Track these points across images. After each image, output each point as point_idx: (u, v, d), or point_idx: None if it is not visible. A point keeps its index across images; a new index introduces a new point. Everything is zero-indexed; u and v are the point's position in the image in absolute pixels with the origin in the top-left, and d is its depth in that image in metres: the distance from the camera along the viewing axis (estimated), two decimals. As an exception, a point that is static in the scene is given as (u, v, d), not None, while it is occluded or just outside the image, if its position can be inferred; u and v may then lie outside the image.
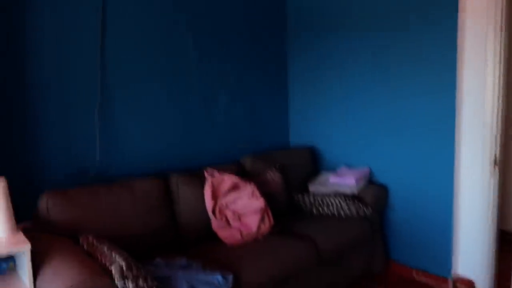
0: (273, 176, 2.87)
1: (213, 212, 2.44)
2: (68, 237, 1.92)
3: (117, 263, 1.63)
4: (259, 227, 2.42)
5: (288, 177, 3.01)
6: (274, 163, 2.99)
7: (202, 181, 2.53)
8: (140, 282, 1.60)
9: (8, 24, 2.08)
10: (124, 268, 1.60)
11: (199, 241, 2.42)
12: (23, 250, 1.60)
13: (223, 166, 2.76)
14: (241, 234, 2.38)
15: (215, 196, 2.48)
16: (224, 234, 2.40)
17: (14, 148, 2.14)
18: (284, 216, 2.78)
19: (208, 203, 2.46)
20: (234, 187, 2.54)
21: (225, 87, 3.11)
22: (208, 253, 2.24)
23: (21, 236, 1.69)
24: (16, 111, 2.14)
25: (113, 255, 1.69)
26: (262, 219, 2.45)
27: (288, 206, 2.94)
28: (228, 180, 2.54)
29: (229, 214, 2.46)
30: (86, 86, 2.37)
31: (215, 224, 2.43)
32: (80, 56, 2.34)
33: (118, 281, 1.56)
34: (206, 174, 2.57)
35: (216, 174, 2.57)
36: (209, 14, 2.96)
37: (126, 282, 1.57)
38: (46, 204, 1.99)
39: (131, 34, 2.55)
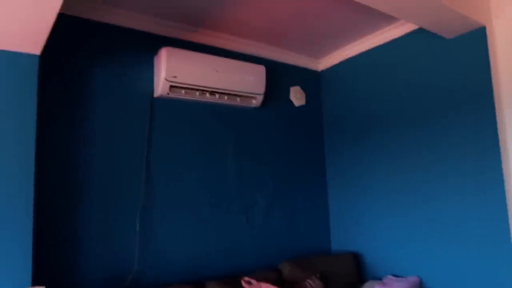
0: (313, 285, 2.71)
1: (249, 325, 2.29)
2: None
3: None
4: None
5: (329, 287, 2.82)
6: (314, 271, 2.85)
7: (238, 290, 2.43)
8: None
9: (62, 140, 2.31)
10: None
11: None
12: None
13: (261, 272, 2.66)
14: None
15: (251, 307, 2.36)
16: None
17: (55, 252, 2.21)
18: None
19: (244, 315, 2.33)
20: (272, 298, 2.41)
21: (264, 192, 3.15)
22: None
23: None
24: (59, 215, 2.26)
25: None
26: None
27: (331, 319, 2.72)
28: (265, 290, 2.43)
29: (266, 328, 2.30)
30: (130, 193, 2.49)
31: None
32: (127, 162, 2.50)
33: None
34: (243, 283, 2.48)
35: (254, 282, 2.48)
36: (249, 126, 3.13)
37: None
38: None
39: (174, 145, 2.72)
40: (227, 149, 2.98)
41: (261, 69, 3.03)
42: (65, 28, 2.39)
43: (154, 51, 2.66)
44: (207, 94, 2.79)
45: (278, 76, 3.36)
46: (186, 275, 2.58)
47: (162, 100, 2.70)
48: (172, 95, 2.65)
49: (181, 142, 2.75)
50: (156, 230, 2.56)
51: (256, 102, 3.05)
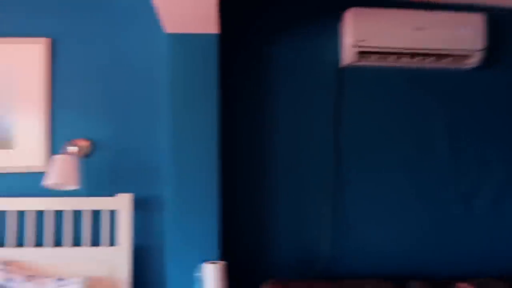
0: None
1: None
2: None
3: None
4: None
5: None
6: None
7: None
8: None
9: (245, 120, 2.30)
10: None
11: None
12: None
13: (484, 281, 2.04)
14: None
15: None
16: None
17: (242, 230, 2.21)
18: None
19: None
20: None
21: (491, 178, 2.45)
22: None
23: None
24: (248, 195, 2.25)
25: None
26: None
27: None
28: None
29: None
30: (320, 172, 2.30)
31: None
32: (315, 142, 2.32)
33: None
34: (458, 289, 1.94)
35: (474, 291, 1.91)
36: (464, 94, 2.48)
37: None
38: (265, 295, 1.88)
39: (366, 121, 2.38)
40: (434, 124, 2.43)
41: (477, 19, 2.36)
42: (242, 4, 2.36)
43: (338, 16, 2.37)
44: (406, 58, 2.33)
45: (507, 25, 2.55)
46: (384, 269, 2.22)
47: (349, 70, 2.39)
48: (361, 62, 2.32)
49: (374, 118, 2.39)
50: (350, 216, 2.29)
51: (472, 61, 2.38)
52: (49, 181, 1.97)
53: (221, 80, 2.19)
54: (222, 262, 1.73)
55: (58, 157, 2.03)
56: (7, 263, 2.07)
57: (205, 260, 1.77)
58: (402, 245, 2.32)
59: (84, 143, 2.24)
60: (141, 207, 2.19)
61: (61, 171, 1.98)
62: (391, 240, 2.31)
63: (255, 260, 2.20)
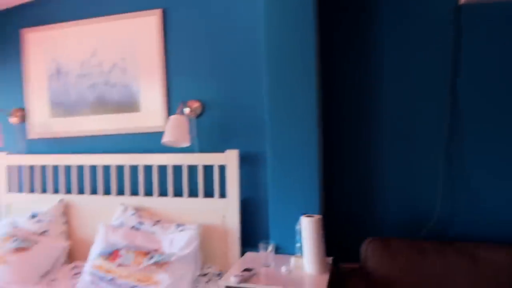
0: None
1: None
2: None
3: None
4: None
5: None
6: None
7: None
8: None
9: (356, 64, 2.18)
10: None
11: None
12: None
13: None
14: None
15: None
16: None
17: (347, 186, 2.17)
18: None
19: None
20: None
21: None
22: None
23: (323, 277, 1.63)
24: (352, 149, 2.18)
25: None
26: None
27: None
28: None
29: None
30: (431, 125, 2.09)
31: None
32: (427, 91, 2.10)
33: None
34: None
35: None
36: None
37: None
38: (366, 251, 1.85)
39: (490, 66, 2.04)
40: None
41: None
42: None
43: None
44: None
45: None
46: (505, 236, 1.95)
47: (470, 6, 2.06)
48: (484, -4, 1.98)
49: (498, 63, 2.03)
50: (465, 173, 2.04)
51: None
52: (165, 139, 2.20)
53: (320, 31, 2.12)
54: (319, 216, 1.74)
55: (172, 118, 2.25)
56: (139, 209, 2.43)
57: (304, 213, 1.80)
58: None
59: (196, 104, 2.43)
60: (247, 162, 2.31)
61: (175, 130, 2.20)
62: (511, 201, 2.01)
63: (359, 217, 2.16)
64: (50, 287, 2.14)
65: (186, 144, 2.27)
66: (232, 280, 1.62)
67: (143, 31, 2.53)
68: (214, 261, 2.27)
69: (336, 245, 2.09)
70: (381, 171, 2.14)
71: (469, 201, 2.02)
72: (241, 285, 1.61)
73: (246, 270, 1.73)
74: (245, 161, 2.31)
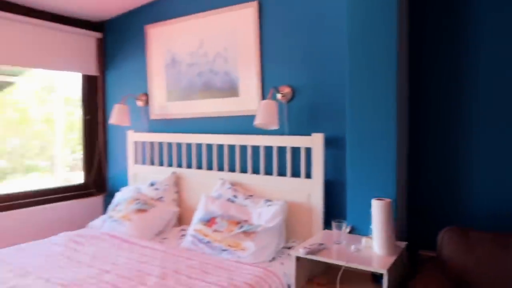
0: None
1: None
2: (454, 282, 1.68)
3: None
4: None
5: None
6: None
7: None
8: None
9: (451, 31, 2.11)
10: None
11: None
12: (382, 271, 1.60)
13: None
14: None
15: None
16: None
17: (432, 172, 2.13)
18: None
19: None
20: None
21: None
22: None
23: (389, 259, 1.69)
24: (445, 137, 2.12)
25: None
26: None
27: None
28: None
29: None
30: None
31: None
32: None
33: None
34: None
35: None
36: None
37: None
38: (442, 239, 1.84)
39: None
40: None
41: None
42: None
43: None
44: None
45: None
46: None
47: None
48: None
49: None
50: None
51: None
52: (256, 122, 2.43)
53: (409, 24, 2.09)
54: (389, 200, 1.77)
55: (263, 102, 2.46)
56: (234, 184, 2.73)
57: (379, 197, 1.85)
58: None
59: (286, 90, 2.60)
60: (332, 145, 2.42)
61: (265, 114, 2.41)
62: None
63: (445, 208, 2.11)
64: (162, 244, 2.57)
65: (275, 127, 2.47)
66: (301, 251, 1.79)
67: (241, 23, 2.77)
68: (298, 236, 2.46)
69: (419, 233, 2.09)
70: (470, 160, 2.05)
71: None
72: (308, 256, 1.77)
73: (318, 244, 1.88)
74: (330, 144, 2.42)
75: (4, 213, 3.00)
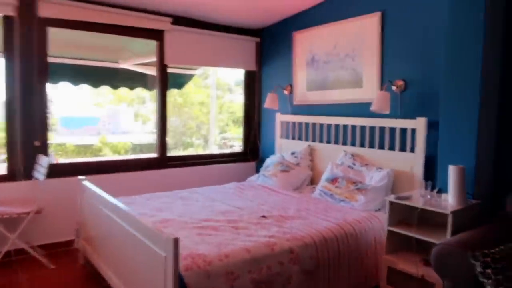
0: None
1: None
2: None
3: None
4: None
5: None
6: None
7: None
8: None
9: None
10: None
11: None
12: (446, 212, 2.28)
13: None
14: None
15: None
16: None
17: None
18: None
19: None
20: None
21: None
22: None
23: (455, 206, 2.34)
24: None
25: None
26: None
27: None
28: None
29: None
30: None
31: None
32: None
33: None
34: None
35: None
36: None
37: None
38: (508, 200, 2.38)
39: None
40: None
41: None
42: None
43: None
44: None
45: None
46: None
47: None
48: None
49: None
50: None
51: None
52: (372, 108, 3.21)
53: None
54: (460, 166, 2.38)
55: (378, 93, 3.22)
56: (354, 155, 3.56)
57: (460, 165, 2.46)
58: None
59: (400, 82, 3.29)
60: (433, 128, 3.03)
61: (379, 101, 3.16)
62: None
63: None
64: (298, 193, 3.58)
65: (386, 112, 3.20)
66: (392, 197, 2.57)
67: (367, 29, 3.53)
68: (401, 197, 3.17)
69: (499, 197, 2.62)
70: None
71: None
72: (396, 200, 2.53)
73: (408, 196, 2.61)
74: (431, 127, 3.04)
75: (192, 168, 4.42)
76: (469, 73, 2.57)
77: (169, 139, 4.42)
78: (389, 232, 2.63)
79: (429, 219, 2.54)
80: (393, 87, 3.31)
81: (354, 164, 3.45)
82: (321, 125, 4.00)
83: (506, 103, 2.66)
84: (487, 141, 2.61)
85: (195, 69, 5.33)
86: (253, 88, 4.95)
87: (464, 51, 2.60)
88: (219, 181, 4.39)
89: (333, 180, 3.38)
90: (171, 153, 4.55)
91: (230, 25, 4.56)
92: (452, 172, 2.42)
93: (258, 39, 4.82)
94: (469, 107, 2.57)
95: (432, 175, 3.00)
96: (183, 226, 2.57)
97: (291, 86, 4.40)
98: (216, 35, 4.47)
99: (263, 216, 2.82)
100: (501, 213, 2.40)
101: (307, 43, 4.16)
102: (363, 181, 3.23)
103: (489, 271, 1.85)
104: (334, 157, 3.72)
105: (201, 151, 5.59)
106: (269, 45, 4.74)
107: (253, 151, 4.98)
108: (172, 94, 5.30)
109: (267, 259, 2.23)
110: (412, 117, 3.16)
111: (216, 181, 4.35)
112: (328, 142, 3.91)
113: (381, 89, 3.34)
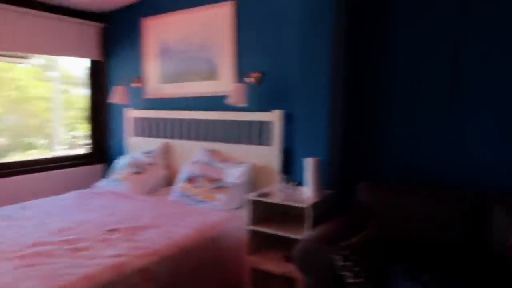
0: None
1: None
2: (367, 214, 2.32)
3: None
4: None
5: None
6: None
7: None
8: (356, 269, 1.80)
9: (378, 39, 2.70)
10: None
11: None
12: (304, 206, 2.24)
13: None
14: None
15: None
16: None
17: (359, 139, 2.75)
18: None
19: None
20: None
21: None
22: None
23: (314, 198, 2.33)
24: (372, 109, 2.73)
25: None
26: None
27: None
28: None
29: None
30: (435, 79, 2.50)
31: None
32: (433, 61, 2.52)
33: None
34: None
35: None
36: None
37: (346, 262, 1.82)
38: (359, 191, 2.47)
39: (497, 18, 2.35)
40: None
41: None
42: None
43: None
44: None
45: None
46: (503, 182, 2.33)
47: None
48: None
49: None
50: (466, 122, 2.42)
51: None
52: (228, 101, 3.05)
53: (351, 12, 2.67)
54: (316, 159, 2.40)
55: (234, 85, 3.07)
56: (211, 151, 3.36)
57: (311, 156, 2.47)
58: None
59: (257, 75, 3.20)
60: (290, 121, 3.02)
61: (234, 94, 3.02)
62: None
63: (367, 164, 2.73)
64: (153, 197, 3.22)
65: (243, 104, 3.08)
66: (252, 195, 2.44)
67: (220, 19, 3.35)
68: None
69: (350, 185, 2.72)
70: (389, 128, 2.65)
71: (467, 150, 2.41)
72: (257, 198, 2.42)
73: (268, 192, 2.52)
74: (288, 120, 3.02)
75: (25, 176, 3.65)
76: (320, 66, 2.59)
77: (2, 140, 3.57)
78: (250, 231, 2.51)
79: (291, 213, 2.49)
80: (250, 79, 3.20)
81: (212, 160, 3.26)
82: (177, 120, 3.70)
83: (354, 95, 2.77)
84: (339, 133, 2.69)
85: (25, 58, 4.47)
86: (99, 80, 4.36)
87: (316, 45, 2.61)
88: (62, 190, 3.73)
89: (191, 179, 3.13)
90: (5, 157, 3.69)
91: (69, 6, 3.88)
92: (308, 164, 2.40)
93: (102, 25, 4.23)
94: (321, 100, 2.59)
95: (290, 166, 2.99)
96: (1, 257, 2.00)
97: (142, 78, 3.98)
98: (49, 17, 3.75)
99: (111, 230, 2.41)
100: (355, 202, 2.48)
101: (158, 32, 3.80)
102: (223, 178, 3.06)
103: (349, 263, 1.83)
104: (190, 155, 3.47)
105: (47, 153, 4.78)
106: (117, 32, 4.20)
107: (101, 152, 4.40)
108: (4, 88, 4.37)
109: (116, 285, 1.86)
110: (270, 109, 3.10)
111: (58, 190, 3.68)
112: (186, 138, 3.64)
113: (237, 82, 3.20)
